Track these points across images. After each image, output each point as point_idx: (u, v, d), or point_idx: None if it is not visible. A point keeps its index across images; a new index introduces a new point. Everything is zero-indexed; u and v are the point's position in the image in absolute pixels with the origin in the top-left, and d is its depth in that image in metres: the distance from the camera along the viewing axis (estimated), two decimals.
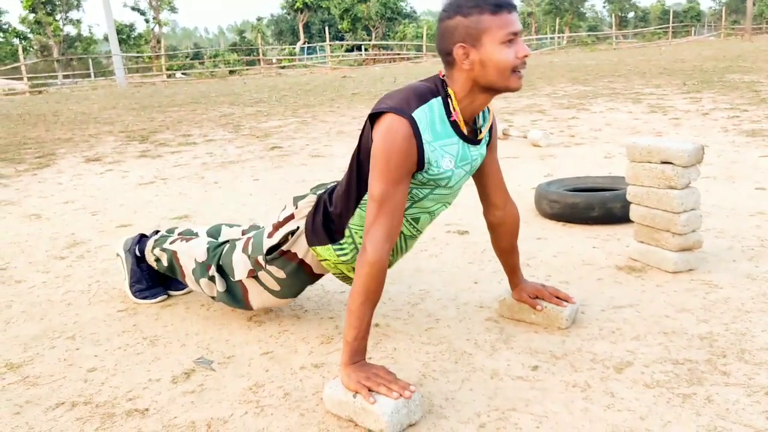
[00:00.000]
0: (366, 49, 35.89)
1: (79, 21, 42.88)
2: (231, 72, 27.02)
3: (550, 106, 8.04)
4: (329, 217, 1.88)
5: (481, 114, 1.82)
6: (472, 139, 1.76)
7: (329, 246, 1.90)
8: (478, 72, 1.63)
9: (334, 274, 2.01)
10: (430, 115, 1.66)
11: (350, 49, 37.72)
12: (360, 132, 1.76)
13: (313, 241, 1.91)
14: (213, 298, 2.19)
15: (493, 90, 1.67)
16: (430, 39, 35.02)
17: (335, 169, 5.00)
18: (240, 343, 2.05)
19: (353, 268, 1.92)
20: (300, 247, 1.95)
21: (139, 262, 2.46)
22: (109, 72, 28.01)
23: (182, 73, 28.02)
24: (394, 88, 11.28)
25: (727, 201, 3.41)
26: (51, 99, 16.15)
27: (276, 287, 2.03)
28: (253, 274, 2.04)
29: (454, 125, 1.70)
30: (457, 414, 1.56)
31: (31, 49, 41.55)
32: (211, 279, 2.14)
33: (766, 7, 47.56)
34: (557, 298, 2.04)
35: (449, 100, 1.69)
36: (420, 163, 1.65)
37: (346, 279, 2.01)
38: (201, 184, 4.78)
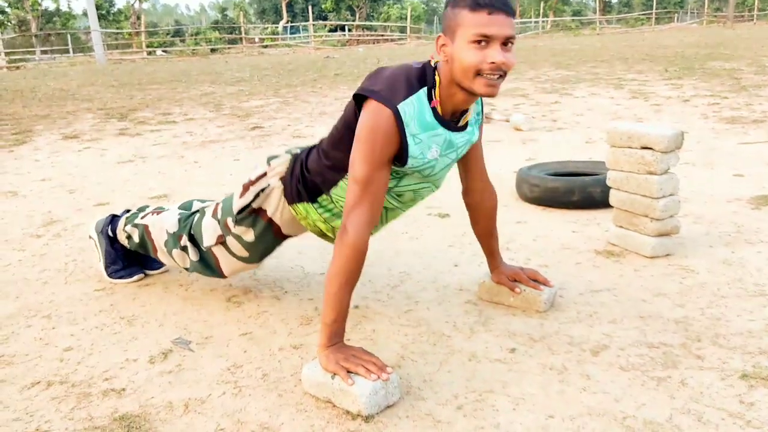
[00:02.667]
0: (350, 30, 35.59)
1: None
2: (212, 50, 26.68)
3: (533, 91, 8.05)
4: (307, 181, 1.88)
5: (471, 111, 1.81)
6: (455, 126, 1.75)
7: (309, 204, 1.90)
8: (451, 66, 1.61)
9: (312, 231, 2.01)
10: (418, 106, 1.64)
11: (334, 29, 37.39)
12: (345, 108, 1.75)
13: (293, 199, 1.91)
14: (187, 269, 2.18)
15: (462, 89, 1.63)
16: (414, 20, 34.84)
17: None
18: (218, 323, 2.05)
19: (333, 228, 1.94)
20: (270, 204, 1.96)
21: (112, 243, 2.43)
22: (88, 48, 27.52)
23: (163, 51, 27.62)
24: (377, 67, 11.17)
25: (706, 187, 3.45)
26: (29, 75, 15.86)
27: (244, 253, 2.04)
28: (221, 240, 2.04)
29: (435, 112, 1.68)
30: (435, 396, 1.57)
31: (9, 24, 40.70)
32: (184, 249, 2.13)
33: None
34: (535, 281, 2.06)
35: (433, 89, 1.67)
36: (401, 157, 1.66)
37: (324, 237, 2.02)
38: (181, 164, 4.74)
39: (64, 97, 9.35)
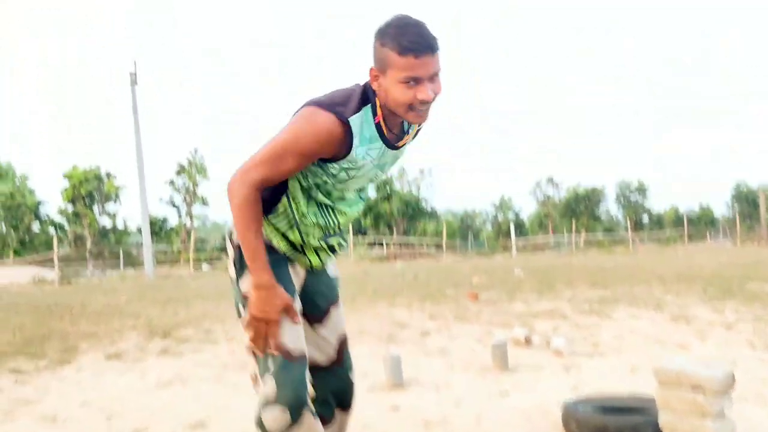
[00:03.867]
0: (388, 245, 36.92)
1: (114, 214, 45.13)
2: None
3: (571, 312, 8.04)
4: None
5: (405, 124, 2.02)
6: (392, 144, 1.99)
7: (270, 217, 2.06)
8: (383, 96, 1.87)
9: (281, 248, 2.11)
10: (364, 125, 1.90)
11: (372, 244, 38.83)
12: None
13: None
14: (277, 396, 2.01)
15: (398, 115, 1.89)
16: (450, 236, 36.09)
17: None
18: None
19: (283, 236, 2.09)
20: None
21: None
22: (138, 263, 28.88)
23: (209, 265, 28.75)
24: (415, 284, 11.49)
25: (762, 427, 3.28)
26: (80, 289, 16.52)
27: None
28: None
29: (378, 128, 1.93)
30: None
31: (66, 239, 43.30)
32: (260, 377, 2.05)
33: None
34: None
35: (375, 107, 1.92)
36: (336, 156, 1.91)
37: (289, 245, 2.12)
38: (221, 387, 4.73)
39: (111, 313, 9.64)
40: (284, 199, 2.06)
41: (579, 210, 54.52)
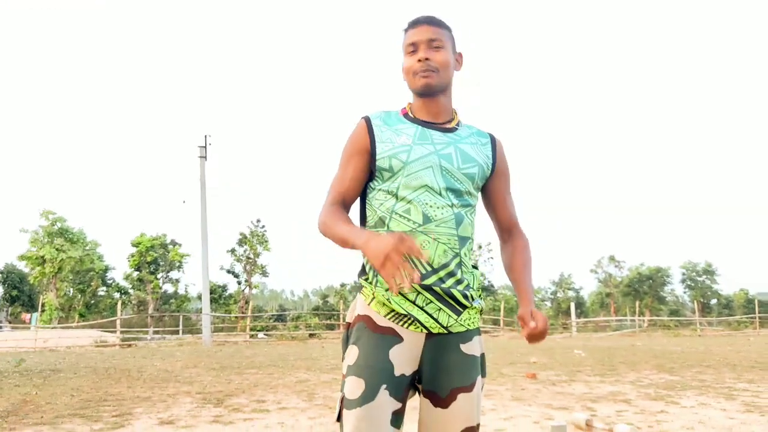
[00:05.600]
0: None
1: (177, 280, 46.17)
2: (311, 335, 27.66)
3: (636, 396, 7.67)
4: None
5: (457, 118, 2.12)
6: (437, 124, 2.06)
7: (361, 280, 2.03)
8: (406, 80, 2.06)
9: (380, 304, 1.97)
10: (384, 115, 2.08)
11: None
12: None
13: (359, 290, 2.05)
14: None
15: (415, 93, 2.06)
16: (507, 313, 35.32)
17: None
18: None
19: (385, 299, 1.95)
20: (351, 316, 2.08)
21: None
22: (196, 329, 29.26)
23: (264, 334, 28.90)
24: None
25: None
26: (138, 353, 16.80)
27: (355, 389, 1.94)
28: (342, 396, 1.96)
29: (407, 116, 2.07)
30: None
31: (129, 303, 44.41)
32: None
33: None
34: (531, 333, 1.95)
35: (404, 107, 2.11)
36: (372, 144, 2.00)
37: (393, 313, 1.96)
38: None
39: (167, 379, 9.73)
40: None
41: (642, 290, 52.78)
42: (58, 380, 9.51)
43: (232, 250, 43.92)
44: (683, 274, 56.02)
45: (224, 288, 46.16)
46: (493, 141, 2.16)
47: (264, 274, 44.46)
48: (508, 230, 2.20)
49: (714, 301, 56.24)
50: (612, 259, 58.36)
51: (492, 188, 2.16)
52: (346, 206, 2.06)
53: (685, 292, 57.30)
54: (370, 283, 1.99)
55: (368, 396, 1.88)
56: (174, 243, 45.60)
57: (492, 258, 45.21)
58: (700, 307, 41.11)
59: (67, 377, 9.94)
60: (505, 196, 2.18)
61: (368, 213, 2.06)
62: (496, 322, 33.40)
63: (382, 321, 1.96)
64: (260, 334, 28.58)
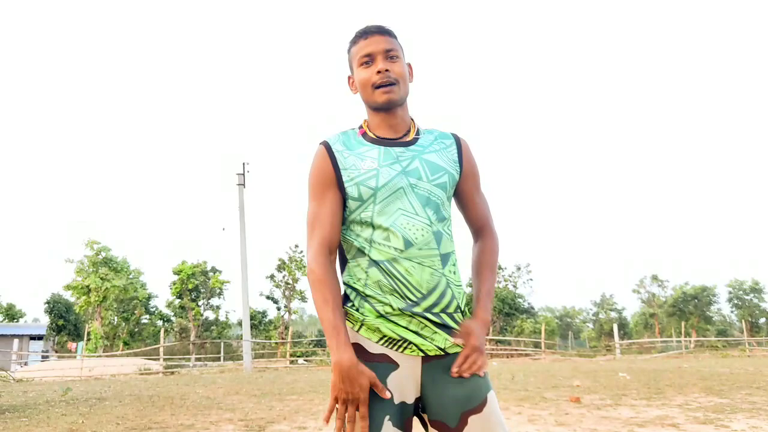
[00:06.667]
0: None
1: (218, 307, 46.73)
2: None
3: (684, 420, 7.48)
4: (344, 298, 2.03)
5: (415, 128, 2.07)
6: (395, 140, 2.01)
7: (346, 307, 1.98)
8: (361, 94, 2.00)
9: (371, 331, 1.94)
10: (342, 137, 2.02)
11: None
12: None
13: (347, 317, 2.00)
14: None
15: (373, 108, 2.00)
16: (548, 335, 34.80)
17: None
18: None
19: (377, 325, 1.93)
20: None
21: None
22: (237, 356, 29.49)
23: (304, 359, 28.97)
24: (512, 385, 11.08)
25: None
26: (181, 380, 16.99)
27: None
28: None
29: (365, 137, 2.01)
30: None
31: (172, 331, 44.97)
32: None
33: None
34: (465, 359, 1.90)
35: (361, 127, 2.05)
36: (337, 172, 1.95)
37: (386, 338, 1.93)
38: None
39: (209, 406, 9.82)
40: (345, 278, 2.01)
41: (688, 310, 51.45)
42: (103, 408, 9.68)
43: (271, 276, 44.33)
44: (729, 292, 54.48)
45: (264, 314, 46.53)
46: (458, 141, 2.12)
47: (303, 299, 44.70)
48: (479, 230, 2.16)
49: (762, 320, 54.46)
50: (655, 278, 57.14)
51: (461, 189, 2.11)
52: (332, 251, 1.97)
53: (732, 312, 55.68)
54: (357, 310, 1.95)
55: (373, 430, 1.86)
56: (214, 270, 46.24)
57: (531, 280, 44.66)
58: (748, 326, 39.89)
59: (113, 405, 10.11)
60: (474, 196, 2.13)
61: (344, 246, 2.02)
62: (537, 345, 32.90)
63: (375, 348, 1.92)
64: (300, 360, 28.67)
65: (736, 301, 54.52)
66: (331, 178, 1.97)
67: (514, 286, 43.77)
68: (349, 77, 2.07)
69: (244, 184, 26.68)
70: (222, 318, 47.11)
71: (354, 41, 2.02)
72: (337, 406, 1.88)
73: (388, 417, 1.86)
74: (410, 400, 1.91)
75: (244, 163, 26.95)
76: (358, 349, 1.91)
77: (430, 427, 1.94)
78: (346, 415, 1.84)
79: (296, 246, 45.14)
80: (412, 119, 2.10)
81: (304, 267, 44.73)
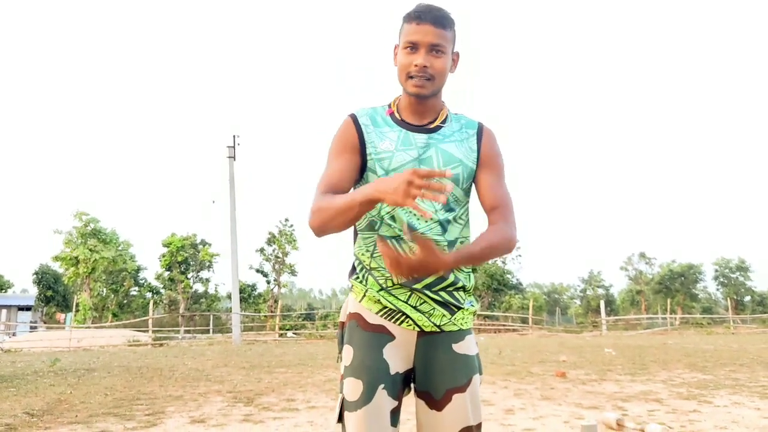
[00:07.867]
0: None
1: (207, 280, 46.65)
2: None
3: (668, 395, 7.58)
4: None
5: (448, 115, 2.04)
6: (418, 126, 1.98)
7: (351, 279, 2.04)
8: (397, 71, 1.97)
9: (372, 302, 1.99)
10: (371, 112, 2.03)
11: None
12: None
13: (350, 287, 2.07)
14: None
15: (405, 93, 1.96)
16: (536, 311, 35.07)
17: None
18: None
19: (374, 295, 1.98)
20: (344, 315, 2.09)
21: None
22: (226, 329, 29.57)
23: (293, 332, 29.09)
24: (499, 360, 11.18)
25: None
26: (170, 352, 17.03)
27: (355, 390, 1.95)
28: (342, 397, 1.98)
29: (392, 117, 2.00)
30: None
31: (161, 303, 44.96)
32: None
33: None
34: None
35: (392, 104, 2.03)
36: (361, 140, 1.96)
37: (385, 309, 1.98)
38: None
39: (198, 378, 9.86)
40: (355, 250, 2.06)
41: (674, 287, 51.94)
42: (92, 379, 9.69)
43: (261, 250, 44.28)
44: (716, 270, 54.98)
45: (253, 287, 46.53)
46: (480, 131, 2.07)
47: (293, 273, 44.74)
48: (493, 221, 2.00)
49: (748, 299, 55.12)
50: (642, 256, 57.57)
51: (478, 178, 2.04)
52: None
53: (718, 290, 56.26)
54: (361, 282, 2.02)
55: (367, 397, 1.91)
56: (204, 243, 46.11)
57: (520, 256, 44.88)
58: (733, 304, 40.36)
59: (101, 376, 10.13)
60: (491, 185, 2.02)
61: None
62: (524, 321, 33.18)
63: (373, 318, 1.99)
64: (289, 333, 28.79)
65: (722, 279, 55.06)
66: (354, 144, 1.98)
67: (503, 262, 43.97)
68: (395, 47, 2.01)
69: (234, 157, 26.52)
70: (211, 291, 47.10)
71: (407, 19, 1.94)
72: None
73: (383, 386, 1.93)
74: (402, 371, 1.98)
75: (234, 136, 26.78)
76: (359, 319, 2.01)
77: (416, 397, 2.01)
78: (419, 191, 1.59)
79: (286, 220, 45.07)
80: (443, 103, 2.07)
81: (295, 241, 44.95)
